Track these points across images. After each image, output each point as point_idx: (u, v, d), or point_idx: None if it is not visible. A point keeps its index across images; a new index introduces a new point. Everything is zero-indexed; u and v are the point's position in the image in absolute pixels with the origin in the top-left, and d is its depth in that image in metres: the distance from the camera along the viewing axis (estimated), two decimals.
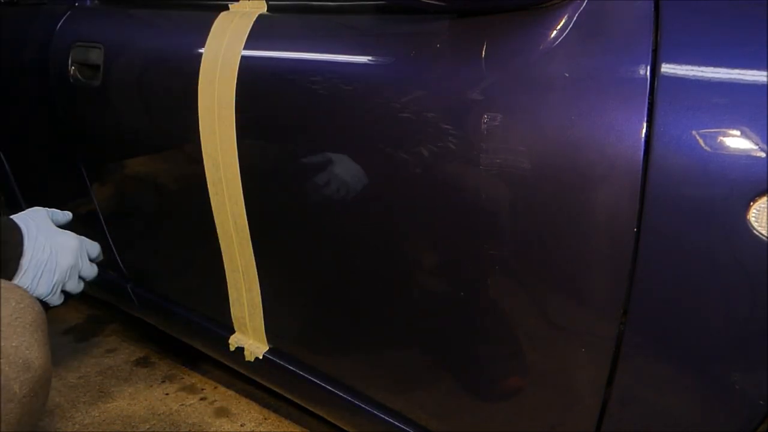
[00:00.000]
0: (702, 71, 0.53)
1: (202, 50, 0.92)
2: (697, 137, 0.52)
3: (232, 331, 1.10)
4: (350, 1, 0.83)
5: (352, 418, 0.99)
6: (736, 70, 0.52)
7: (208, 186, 0.97)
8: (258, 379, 1.16)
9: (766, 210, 0.50)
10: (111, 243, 1.32)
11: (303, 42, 0.85)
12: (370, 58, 0.77)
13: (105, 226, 1.30)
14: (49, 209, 0.94)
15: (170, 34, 1.04)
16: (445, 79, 0.68)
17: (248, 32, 0.88)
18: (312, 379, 0.99)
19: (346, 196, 0.81)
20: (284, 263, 0.96)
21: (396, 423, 0.89)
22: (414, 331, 0.83)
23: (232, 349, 1.09)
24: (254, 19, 0.89)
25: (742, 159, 0.50)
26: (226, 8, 0.95)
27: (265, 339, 1.05)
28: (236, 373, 1.30)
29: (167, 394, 1.38)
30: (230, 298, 1.07)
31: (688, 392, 0.59)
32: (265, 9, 0.91)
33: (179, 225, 1.16)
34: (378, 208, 0.78)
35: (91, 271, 0.93)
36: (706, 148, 0.51)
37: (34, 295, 0.80)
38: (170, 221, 1.18)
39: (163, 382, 1.42)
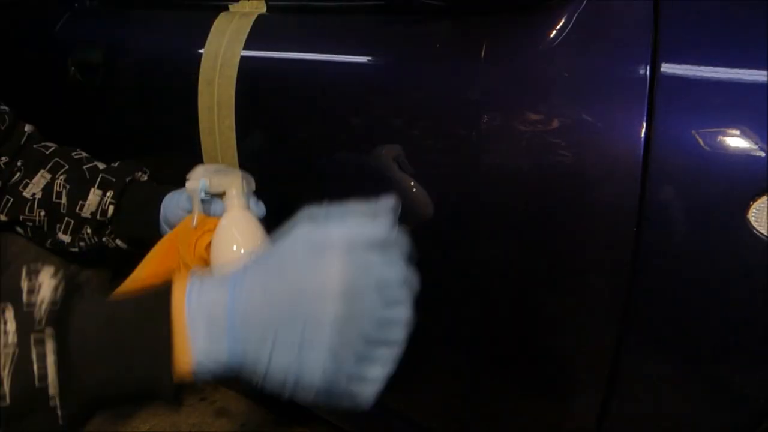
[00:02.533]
0: (702, 71, 0.53)
1: (201, 51, 0.92)
2: (697, 137, 0.52)
3: None
4: (350, 1, 0.83)
5: (353, 418, 0.99)
6: (736, 70, 0.52)
7: None
8: None
9: (766, 210, 0.50)
10: None
11: (303, 42, 0.85)
12: (369, 58, 0.77)
13: None
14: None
15: (170, 35, 1.04)
16: (445, 79, 0.68)
17: (248, 32, 0.88)
18: None
19: (346, 195, 0.81)
20: None
21: (396, 423, 0.89)
22: (414, 331, 0.83)
23: None
24: (254, 19, 0.89)
25: (742, 159, 0.50)
26: (226, 9, 0.95)
27: None
28: None
29: None
30: None
31: (688, 392, 0.59)
32: (265, 9, 0.91)
33: None
34: None
35: None
36: (706, 148, 0.51)
37: None
38: None
39: None
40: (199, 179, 0.67)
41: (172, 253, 0.68)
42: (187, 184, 0.67)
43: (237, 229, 0.64)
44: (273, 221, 0.94)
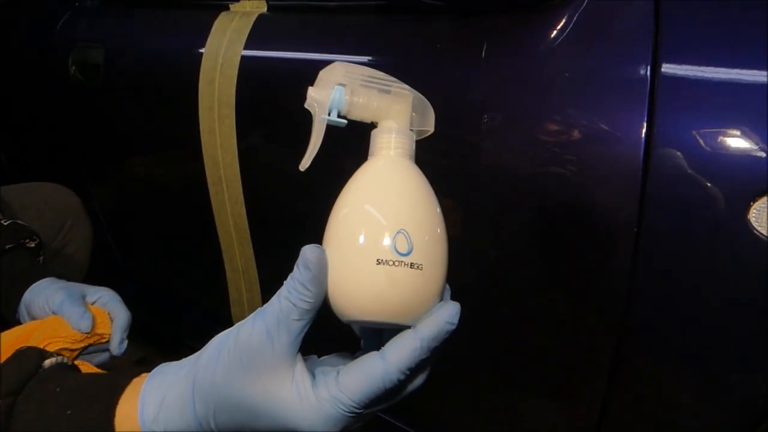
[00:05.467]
0: (702, 71, 0.53)
1: (202, 50, 0.92)
2: (697, 137, 0.52)
3: None
4: (350, 1, 0.83)
5: None
6: (736, 70, 0.52)
7: (209, 186, 0.97)
8: None
9: (766, 210, 0.50)
10: (111, 243, 1.32)
11: (303, 42, 0.85)
12: (370, 57, 0.77)
13: (105, 226, 1.30)
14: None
15: (171, 34, 1.04)
16: (445, 79, 0.68)
17: (248, 32, 0.88)
18: None
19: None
20: (284, 263, 0.96)
21: (396, 423, 0.89)
22: None
23: None
24: (254, 19, 0.89)
25: (742, 159, 0.50)
26: (227, 8, 0.95)
27: None
28: None
29: None
30: (230, 298, 1.07)
31: (688, 392, 0.59)
32: (265, 9, 0.91)
33: (179, 225, 1.16)
34: None
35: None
36: (706, 148, 0.51)
37: None
38: (170, 221, 1.18)
39: None
40: (332, 85, 0.38)
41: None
42: (311, 90, 0.39)
43: (381, 192, 0.37)
44: (273, 222, 0.95)
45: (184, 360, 0.38)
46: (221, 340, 0.36)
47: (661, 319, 0.58)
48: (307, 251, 0.35)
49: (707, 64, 0.53)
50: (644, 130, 0.54)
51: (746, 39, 0.52)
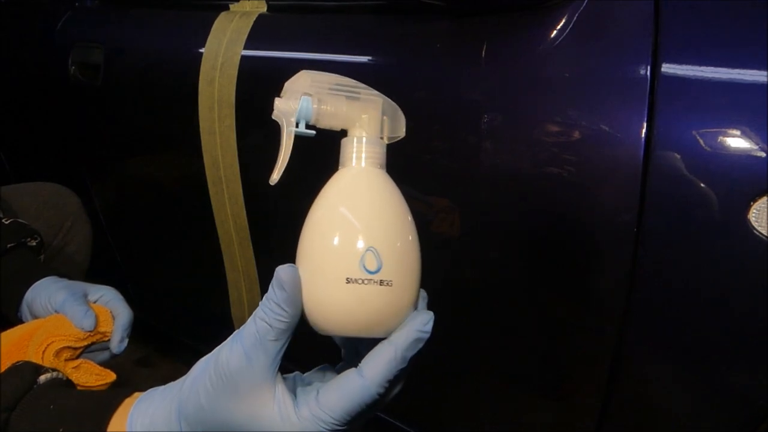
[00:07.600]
0: (702, 71, 0.53)
1: (202, 50, 0.92)
2: (697, 137, 0.52)
3: (233, 331, 1.10)
4: (350, 1, 0.83)
5: None
6: (736, 70, 0.52)
7: (209, 186, 0.97)
8: None
9: (766, 210, 0.50)
10: (111, 243, 1.32)
11: (303, 42, 0.85)
12: (369, 58, 0.77)
13: (105, 226, 1.30)
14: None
15: (171, 34, 1.04)
16: (445, 79, 0.68)
17: (248, 32, 0.88)
18: None
19: None
20: (285, 263, 0.96)
21: (396, 423, 0.89)
22: None
23: None
24: (254, 19, 0.89)
25: (742, 159, 0.50)
26: (226, 8, 0.95)
27: None
28: None
29: None
30: (230, 298, 1.07)
31: (688, 392, 0.59)
32: (265, 9, 0.91)
33: (179, 225, 1.16)
34: None
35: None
36: (706, 148, 0.51)
37: None
38: (170, 221, 1.18)
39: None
40: (299, 94, 0.38)
41: (21, 348, 0.57)
42: (278, 102, 0.38)
43: (350, 208, 0.37)
44: (273, 222, 0.95)
45: (169, 384, 0.39)
46: (203, 365, 0.37)
47: (661, 319, 0.58)
48: (281, 272, 0.36)
49: (707, 64, 0.53)
50: (644, 131, 0.55)
51: (746, 39, 0.52)
